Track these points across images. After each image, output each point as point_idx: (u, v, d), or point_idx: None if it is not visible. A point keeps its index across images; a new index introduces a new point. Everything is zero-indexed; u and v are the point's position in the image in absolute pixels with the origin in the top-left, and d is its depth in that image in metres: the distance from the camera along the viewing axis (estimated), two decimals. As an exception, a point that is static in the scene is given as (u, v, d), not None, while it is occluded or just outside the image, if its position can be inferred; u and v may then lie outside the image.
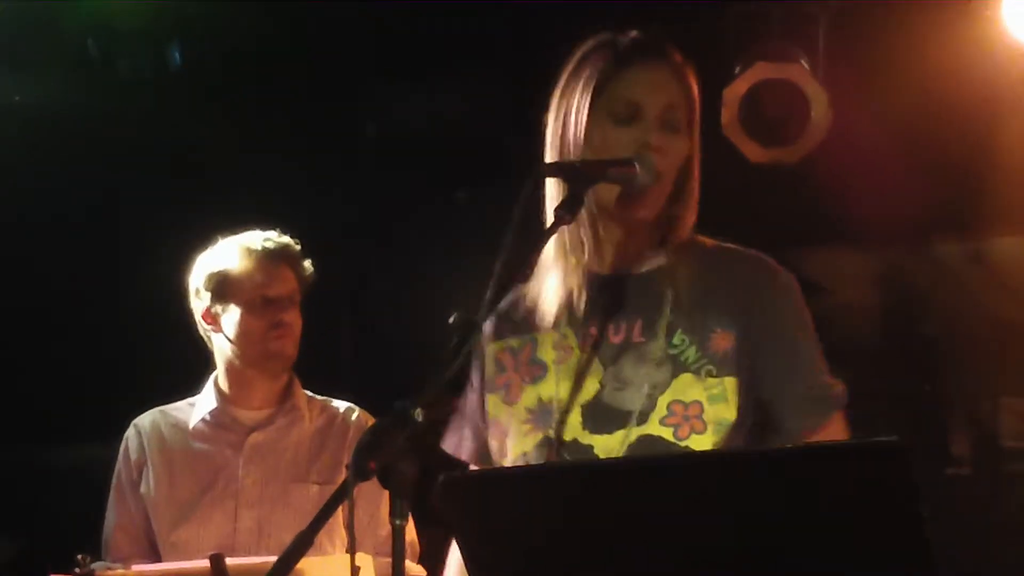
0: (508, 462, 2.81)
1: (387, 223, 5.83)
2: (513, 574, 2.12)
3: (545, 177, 2.72)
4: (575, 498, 2.07)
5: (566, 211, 2.57)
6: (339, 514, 2.84)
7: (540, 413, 2.79)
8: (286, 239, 3.96)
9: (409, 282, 5.66)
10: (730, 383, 2.71)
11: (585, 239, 2.78)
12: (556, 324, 2.81)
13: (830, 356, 2.83)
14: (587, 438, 2.73)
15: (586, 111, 2.76)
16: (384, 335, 5.84)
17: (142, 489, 3.88)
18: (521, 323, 2.87)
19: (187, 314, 3.97)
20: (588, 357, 2.78)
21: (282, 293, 3.89)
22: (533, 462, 2.76)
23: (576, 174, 2.65)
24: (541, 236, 2.62)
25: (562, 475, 2.22)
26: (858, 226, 5.13)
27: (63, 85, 5.27)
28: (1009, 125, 4.97)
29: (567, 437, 2.75)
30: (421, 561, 3.87)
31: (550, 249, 2.80)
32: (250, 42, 5.30)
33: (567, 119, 2.78)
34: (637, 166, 2.67)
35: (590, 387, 2.76)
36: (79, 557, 3.10)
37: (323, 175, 5.73)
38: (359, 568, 2.24)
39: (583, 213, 2.71)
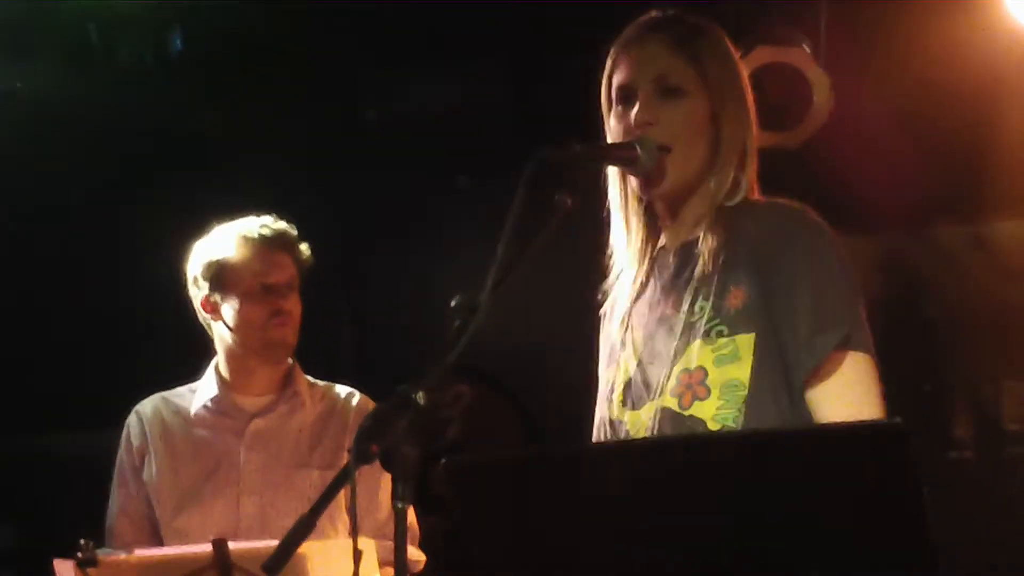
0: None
1: (387, 214, 5.83)
2: (514, 557, 2.12)
3: (546, 163, 2.71)
4: (575, 483, 2.08)
5: (567, 196, 2.58)
6: (341, 498, 2.85)
7: (603, 394, 2.86)
8: (282, 224, 3.94)
9: (409, 273, 5.67)
10: (744, 340, 2.67)
11: (636, 220, 2.85)
12: (624, 300, 2.87)
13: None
14: (623, 414, 2.78)
15: (605, 107, 2.84)
16: (384, 326, 5.85)
17: (144, 475, 3.87)
18: (611, 306, 2.93)
19: (186, 300, 3.97)
20: (637, 335, 2.83)
21: (281, 280, 3.88)
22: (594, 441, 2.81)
23: (577, 159, 2.66)
24: (546, 221, 2.62)
25: (562, 460, 2.22)
26: (860, 210, 5.12)
27: (63, 73, 5.26)
28: (1010, 109, 4.96)
29: (612, 415, 2.80)
30: (420, 546, 3.87)
31: (621, 231, 2.86)
32: (249, 32, 5.29)
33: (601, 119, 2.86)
34: (638, 148, 2.69)
35: (632, 364, 2.80)
36: (81, 543, 3.10)
37: (323, 166, 5.73)
38: (362, 552, 2.24)
39: (630, 195, 2.82)
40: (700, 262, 2.75)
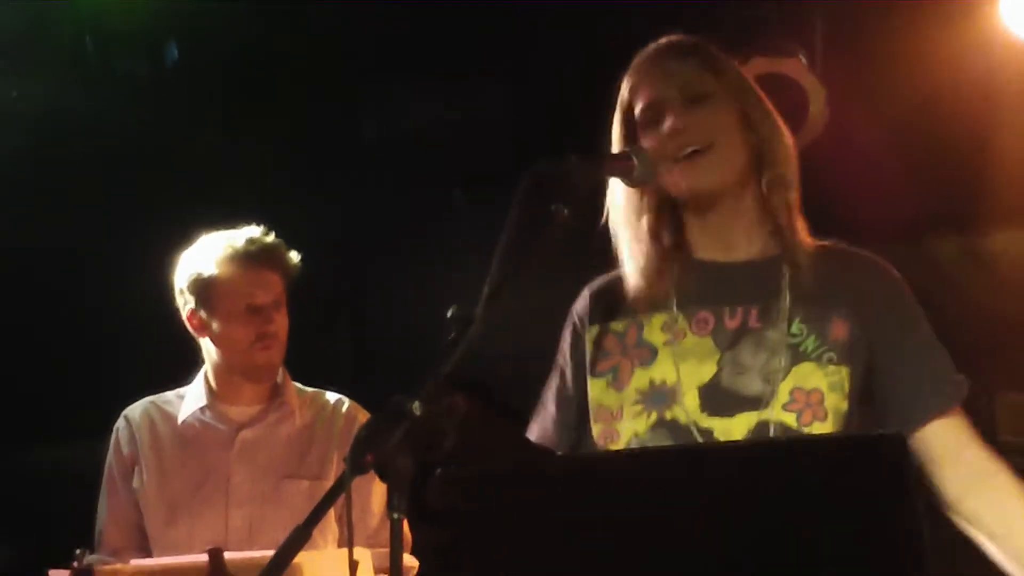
0: (619, 445, 2.81)
1: (385, 225, 5.83)
2: (510, 569, 2.12)
3: (542, 174, 2.71)
4: (570, 494, 2.08)
5: (564, 206, 2.57)
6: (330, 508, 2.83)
7: (652, 395, 2.81)
8: (269, 238, 3.86)
9: (407, 286, 5.66)
10: (845, 372, 2.73)
11: (656, 229, 2.85)
12: (663, 306, 2.85)
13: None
14: (706, 421, 2.75)
15: (621, 137, 2.86)
16: (382, 337, 5.84)
17: (134, 483, 3.84)
18: (622, 306, 2.91)
19: (175, 310, 3.92)
20: (703, 341, 2.80)
21: (266, 301, 3.81)
22: (648, 443, 2.78)
23: (573, 170, 2.66)
24: (542, 233, 2.61)
25: (559, 470, 2.22)
26: (854, 222, 5.11)
27: (58, 85, 5.25)
28: (1006, 121, 4.97)
29: (684, 419, 2.77)
30: (413, 553, 3.86)
31: (648, 234, 2.86)
32: (248, 43, 5.29)
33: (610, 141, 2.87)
34: (635, 159, 2.69)
35: (707, 370, 2.78)
36: (77, 552, 3.08)
37: (322, 179, 5.72)
38: (358, 562, 2.23)
39: (647, 203, 2.83)
40: (788, 283, 2.79)
